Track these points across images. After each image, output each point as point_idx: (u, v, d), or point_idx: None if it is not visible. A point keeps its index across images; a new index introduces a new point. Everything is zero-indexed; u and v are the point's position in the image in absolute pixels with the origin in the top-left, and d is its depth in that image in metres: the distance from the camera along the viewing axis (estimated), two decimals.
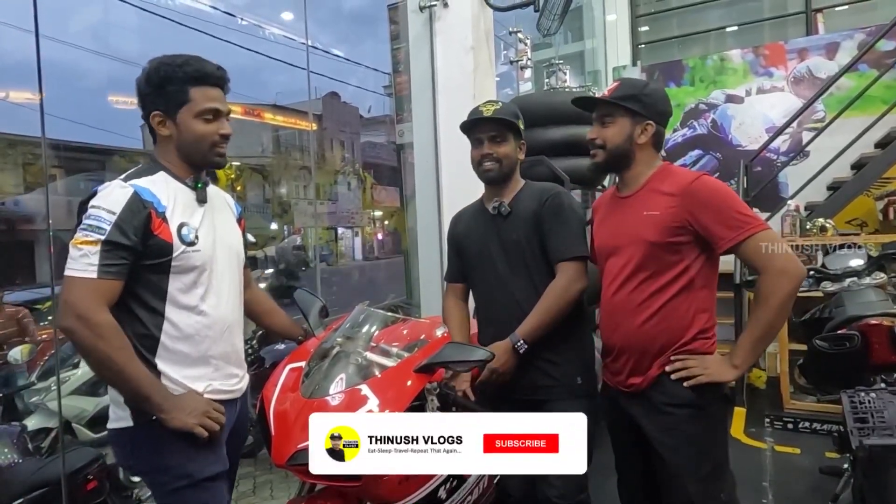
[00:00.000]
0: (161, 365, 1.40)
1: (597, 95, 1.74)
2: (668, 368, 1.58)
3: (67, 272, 1.31)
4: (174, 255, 1.40)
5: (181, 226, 1.42)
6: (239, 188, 21.01)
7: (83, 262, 1.30)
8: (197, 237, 1.45)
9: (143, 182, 1.40)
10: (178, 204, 1.44)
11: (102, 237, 1.31)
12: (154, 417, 1.36)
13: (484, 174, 1.89)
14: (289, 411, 1.64)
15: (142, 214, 1.36)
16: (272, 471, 3.38)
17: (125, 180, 1.40)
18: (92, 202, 1.35)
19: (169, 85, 1.43)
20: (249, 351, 3.69)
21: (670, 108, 1.73)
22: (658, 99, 1.67)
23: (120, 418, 1.41)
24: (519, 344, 1.75)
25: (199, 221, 1.48)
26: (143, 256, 1.36)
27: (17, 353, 3.54)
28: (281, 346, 3.62)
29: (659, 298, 1.59)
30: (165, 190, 1.43)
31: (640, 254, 1.60)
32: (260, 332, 3.81)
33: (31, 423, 2.98)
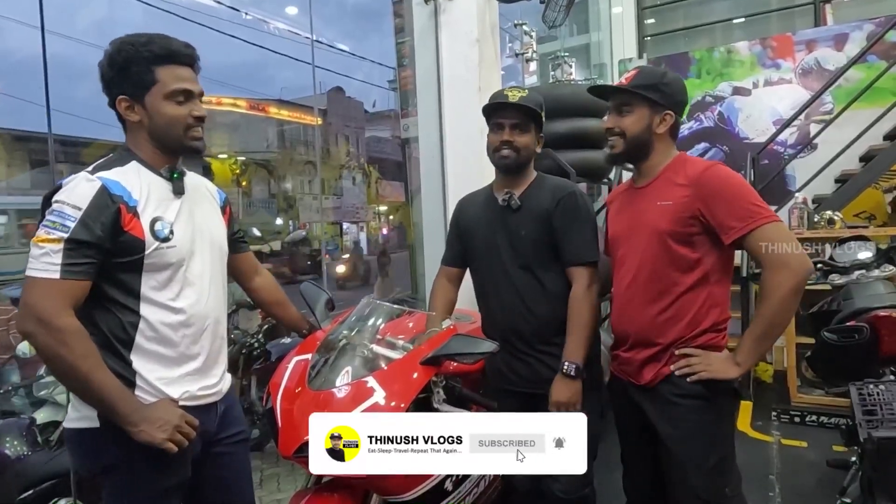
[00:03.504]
0: (136, 363, 1.32)
1: (614, 83, 1.70)
2: (672, 367, 1.58)
3: (28, 272, 1.22)
4: (147, 251, 1.31)
5: (154, 220, 1.33)
6: (244, 183, 21.05)
7: (44, 261, 1.21)
8: (172, 232, 1.36)
9: (113, 174, 1.31)
10: (152, 197, 1.35)
11: (66, 235, 1.21)
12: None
13: (500, 161, 1.84)
14: (295, 403, 1.64)
15: (110, 210, 1.26)
16: (279, 463, 3.39)
17: (92, 172, 1.30)
18: (56, 196, 1.26)
19: (133, 66, 1.32)
20: (256, 345, 3.70)
21: (687, 97, 1.71)
22: (677, 88, 1.64)
23: (84, 417, 1.32)
24: (568, 368, 1.73)
25: (174, 215, 1.38)
26: (112, 254, 1.28)
27: (24, 347, 3.55)
28: (287, 340, 3.64)
29: (672, 291, 1.58)
30: (137, 182, 1.34)
31: (654, 245, 1.59)
32: (266, 326, 3.82)
33: (40, 416, 2.99)
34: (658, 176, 1.64)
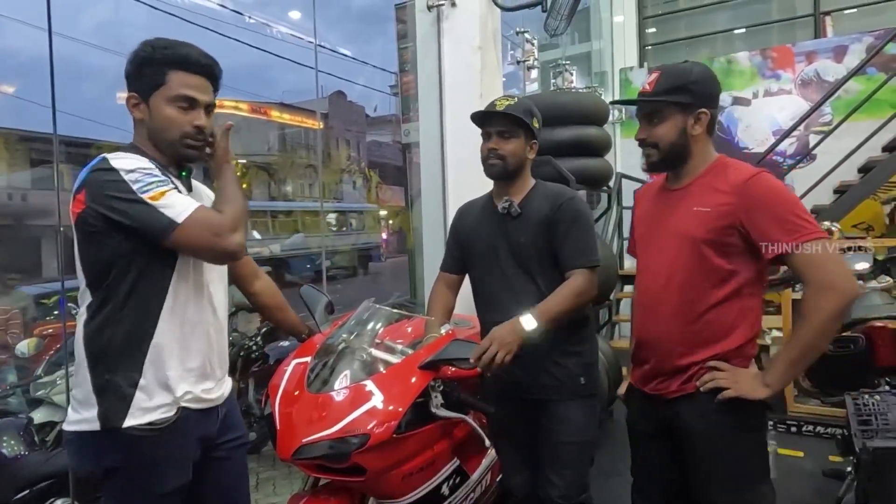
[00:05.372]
0: (146, 363, 1.32)
1: (639, 91, 1.60)
2: (697, 382, 1.48)
3: (179, 217, 1.26)
4: None
5: None
6: (244, 186, 21.10)
7: (181, 201, 1.28)
8: None
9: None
10: None
11: (167, 187, 1.29)
12: (122, 426, 1.28)
13: (488, 169, 1.86)
14: (294, 406, 1.65)
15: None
16: (275, 467, 3.40)
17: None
18: (123, 168, 1.27)
19: (147, 66, 1.35)
20: (254, 347, 3.71)
21: (719, 87, 1.57)
22: (707, 82, 1.52)
23: (84, 420, 1.31)
24: (525, 318, 1.64)
25: None
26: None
27: (23, 347, 3.56)
28: (285, 343, 3.64)
29: (703, 302, 1.48)
30: None
31: (686, 252, 1.49)
32: (265, 329, 3.83)
33: (37, 416, 2.99)
34: (696, 179, 1.54)
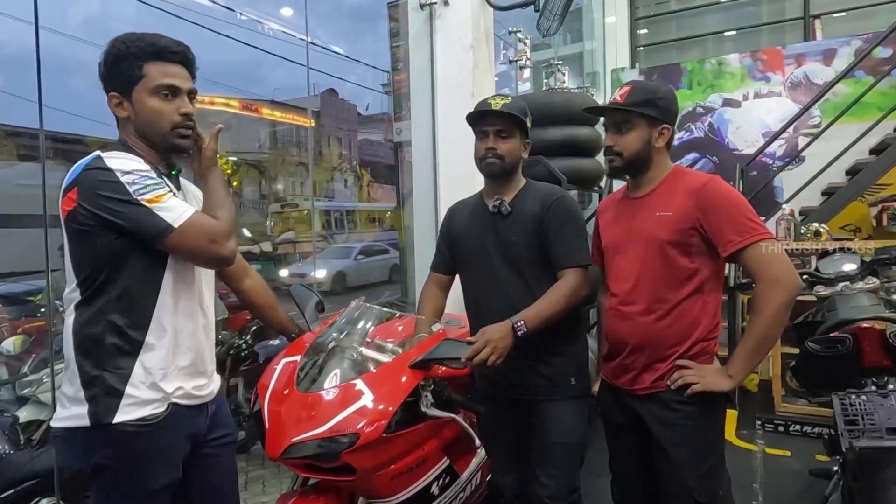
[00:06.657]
0: (141, 357, 1.32)
1: (608, 101, 1.71)
2: (668, 380, 1.60)
3: (177, 222, 1.27)
4: None
5: None
6: (235, 184, 20.95)
7: (179, 206, 1.29)
8: None
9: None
10: None
11: (165, 190, 1.29)
12: (113, 421, 1.27)
13: (486, 168, 1.85)
14: (283, 405, 1.64)
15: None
16: (265, 466, 3.38)
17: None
18: (119, 170, 1.27)
19: (123, 62, 1.33)
20: (244, 346, 3.68)
21: (678, 107, 1.73)
22: (671, 101, 1.67)
23: (73, 416, 1.30)
24: (518, 325, 1.65)
25: None
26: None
27: (9, 344, 3.51)
28: (275, 342, 3.62)
29: (670, 300, 1.60)
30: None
31: (653, 254, 1.61)
32: (254, 328, 3.80)
33: (23, 414, 2.95)
34: (657, 187, 1.67)
